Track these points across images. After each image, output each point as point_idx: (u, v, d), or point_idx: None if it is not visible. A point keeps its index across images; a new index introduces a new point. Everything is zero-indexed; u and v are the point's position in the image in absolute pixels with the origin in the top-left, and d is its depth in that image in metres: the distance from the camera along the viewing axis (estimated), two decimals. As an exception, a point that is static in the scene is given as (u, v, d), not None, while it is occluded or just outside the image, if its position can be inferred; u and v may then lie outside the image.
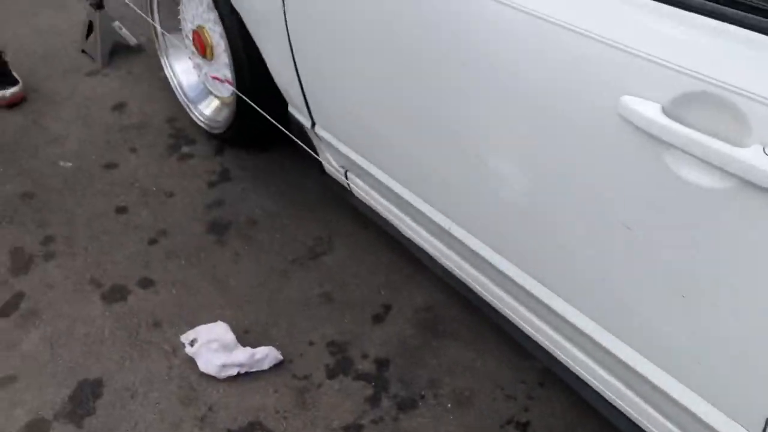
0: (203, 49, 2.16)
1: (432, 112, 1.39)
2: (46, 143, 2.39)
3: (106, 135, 2.42)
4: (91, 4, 2.69)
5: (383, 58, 1.44)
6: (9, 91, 2.51)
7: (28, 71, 2.72)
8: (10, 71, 2.56)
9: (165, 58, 2.42)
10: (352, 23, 1.49)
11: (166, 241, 2.03)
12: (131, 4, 2.48)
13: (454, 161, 1.40)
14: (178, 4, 2.26)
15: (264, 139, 2.26)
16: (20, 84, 2.54)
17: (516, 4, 1.10)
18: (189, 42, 2.26)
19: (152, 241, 2.02)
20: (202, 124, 2.33)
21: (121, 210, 2.13)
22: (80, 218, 2.10)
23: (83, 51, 2.85)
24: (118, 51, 2.82)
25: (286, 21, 1.69)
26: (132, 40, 2.81)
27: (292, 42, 1.72)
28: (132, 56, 2.82)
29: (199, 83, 2.36)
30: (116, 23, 2.76)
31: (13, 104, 2.54)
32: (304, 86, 1.80)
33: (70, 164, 2.30)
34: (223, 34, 2.00)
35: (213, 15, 2.06)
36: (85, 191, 2.20)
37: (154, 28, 2.37)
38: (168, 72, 2.42)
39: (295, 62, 1.76)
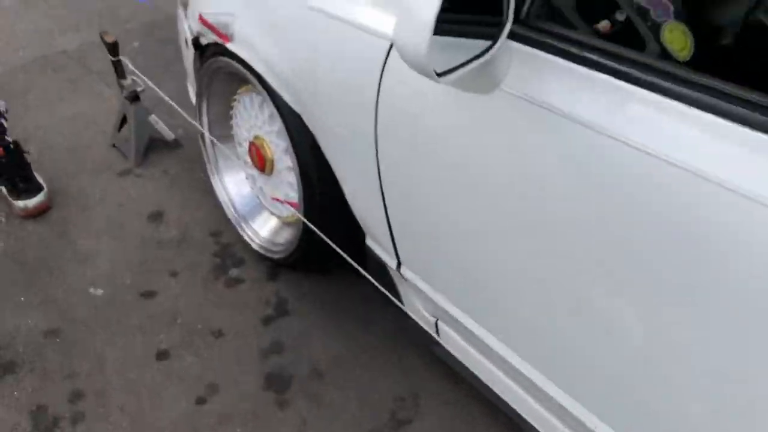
0: (261, 163, 1.85)
1: (586, 287, 1.08)
2: (74, 262, 2.08)
3: (142, 252, 2.11)
4: (126, 97, 2.40)
5: (512, 202, 1.15)
6: (33, 201, 2.21)
7: (53, 168, 2.43)
8: (33, 175, 2.26)
9: (213, 168, 2.11)
10: (468, 161, 1.20)
11: (218, 399, 1.69)
12: (176, 106, 2.18)
13: (611, 350, 1.08)
14: (230, 108, 1.96)
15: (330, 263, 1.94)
16: (45, 191, 2.24)
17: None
18: (243, 151, 1.96)
19: (201, 400, 1.69)
20: (256, 247, 2.00)
21: (162, 355, 1.80)
22: (114, 365, 1.77)
23: (114, 145, 2.56)
24: (154, 146, 2.52)
25: (377, 149, 1.39)
26: (169, 135, 2.52)
27: (382, 173, 1.42)
28: (168, 153, 2.52)
29: (253, 197, 2.05)
30: (152, 116, 2.47)
31: (38, 214, 2.23)
32: (392, 222, 1.49)
33: (102, 292, 1.98)
34: (290, 151, 1.70)
35: (276, 127, 1.76)
36: (120, 328, 1.87)
37: (202, 134, 2.06)
38: (216, 184, 2.11)
39: (383, 195, 1.46)
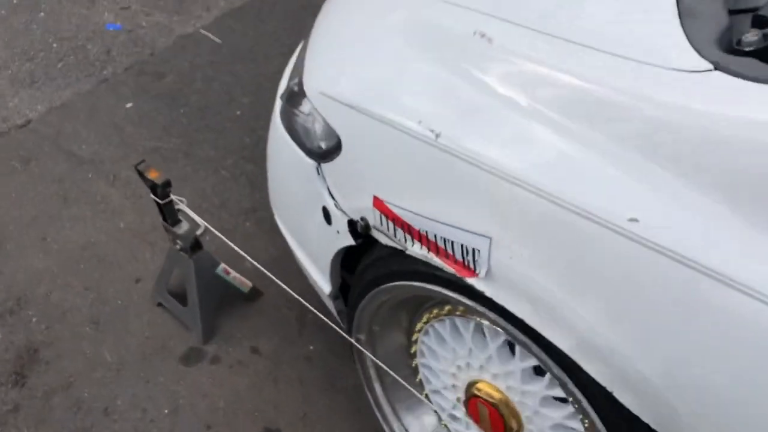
0: (498, 430, 1.12)
1: None
2: None
3: None
4: (181, 249, 1.59)
5: None
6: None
7: (78, 359, 1.64)
8: None
9: (382, 404, 1.35)
10: None
11: None
12: (254, 263, 1.41)
13: None
14: (411, 335, 1.20)
15: None
16: None
17: None
18: (441, 386, 1.22)
19: None
20: None
21: None
22: None
23: (160, 305, 1.75)
24: (225, 302, 1.73)
25: None
26: (245, 285, 1.72)
27: None
28: (247, 310, 1.73)
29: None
30: (221, 267, 1.67)
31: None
32: None
33: None
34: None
35: (545, 390, 1.03)
36: None
37: (358, 351, 1.29)
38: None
39: None
